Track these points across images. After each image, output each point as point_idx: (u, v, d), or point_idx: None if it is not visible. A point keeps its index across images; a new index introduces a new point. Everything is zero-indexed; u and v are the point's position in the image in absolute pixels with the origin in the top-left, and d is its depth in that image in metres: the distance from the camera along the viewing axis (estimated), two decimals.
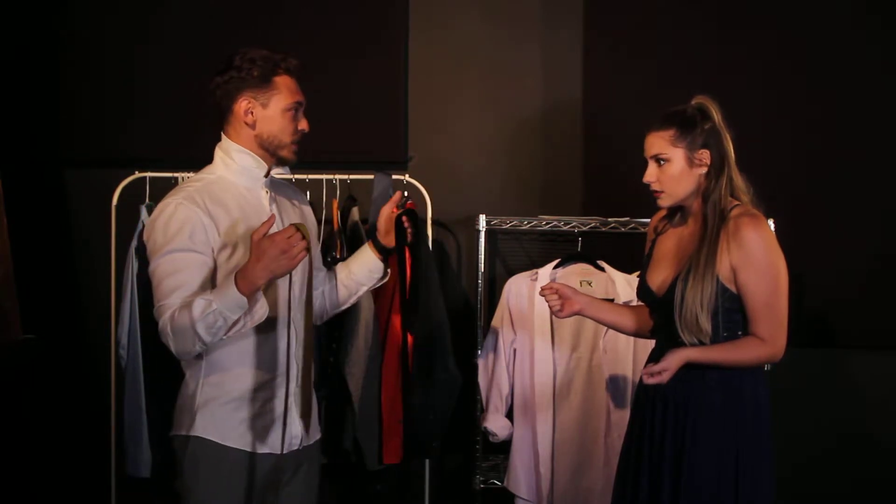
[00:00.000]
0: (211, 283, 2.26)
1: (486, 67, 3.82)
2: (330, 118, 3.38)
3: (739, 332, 2.46)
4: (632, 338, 3.15)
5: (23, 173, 3.69)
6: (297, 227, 2.17)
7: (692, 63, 3.64)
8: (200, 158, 2.46)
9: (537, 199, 3.80)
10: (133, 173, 3.52)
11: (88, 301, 3.82)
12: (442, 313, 3.28)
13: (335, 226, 3.35)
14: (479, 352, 3.51)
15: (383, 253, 2.60)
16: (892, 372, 3.73)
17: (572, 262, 3.46)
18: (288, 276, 2.27)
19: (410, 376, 3.21)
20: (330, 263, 2.75)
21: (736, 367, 2.44)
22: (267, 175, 2.41)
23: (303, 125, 2.40)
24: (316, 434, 2.51)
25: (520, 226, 3.58)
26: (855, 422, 3.74)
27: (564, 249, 3.59)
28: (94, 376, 3.66)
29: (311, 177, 3.37)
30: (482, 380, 3.49)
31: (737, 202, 2.48)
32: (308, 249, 2.20)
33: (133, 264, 3.31)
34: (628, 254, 3.40)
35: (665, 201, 2.52)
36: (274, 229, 2.21)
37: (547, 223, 3.56)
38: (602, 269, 3.44)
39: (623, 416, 3.11)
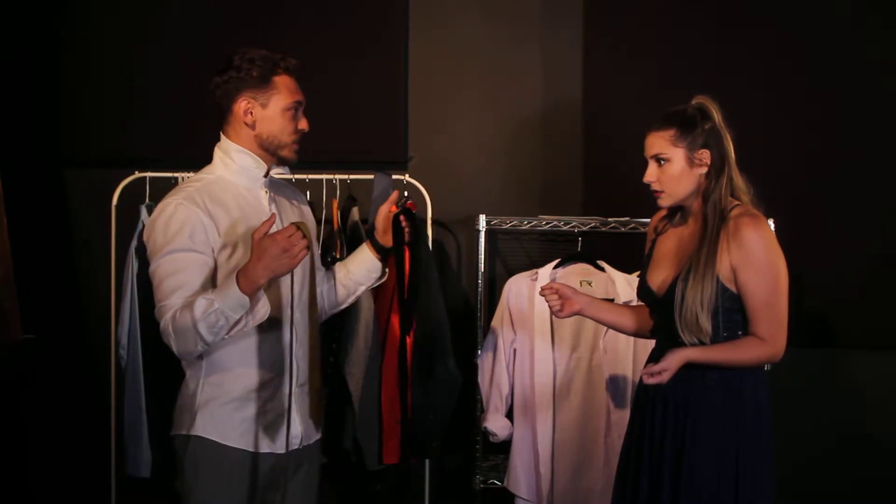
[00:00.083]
0: (211, 283, 2.26)
1: (486, 67, 3.82)
2: (330, 118, 3.38)
3: (739, 332, 2.46)
4: (632, 338, 3.15)
5: (23, 173, 3.69)
6: (298, 226, 2.18)
7: (692, 63, 3.63)
8: (200, 158, 2.46)
9: (537, 199, 3.80)
10: (133, 173, 3.52)
11: (88, 301, 3.82)
12: (442, 313, 3.28)
13: (335, 226, 3.35)
14: (479, 352, 3.51)
15: (381, 252, 2.60)
16: (892, 372, 3.73)
17: (572, 262, 3.46)
18: (289, 275, 2.27)
19: (410, 376, 3.22)
20: (330, 263, 2.75)
21: (736, 367, 2.44)
22: (266, 175, 2.41)
23: (303, 125, 2.40)
24: (316, 434, 2.51)
25: (520, 226, 3.58)
26: (855, 422, 3.73)
27: (564, 249, 3.59)
28: (94, 376, 3.66)
29: (311, 177, 3.37)
30: (482, 380, 3.49)
31: (737, 202, 2.48)
32: (309, 248, 2.20)
33: (133, 264, 3.31)
34: (628, 254, 3.40)
35: (665, 201, 2.52)
36: (273, 229, 2.21)
37: (547, 223, 3.56)
38: (602, 269, 3.44)
39: (623, 416, 3.11)
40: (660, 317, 2.59)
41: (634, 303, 3.00)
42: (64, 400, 3.82)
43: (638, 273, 2.76)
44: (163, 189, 2.61)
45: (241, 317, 2.17)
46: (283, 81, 2.36)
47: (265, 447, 2.36)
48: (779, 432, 2.55)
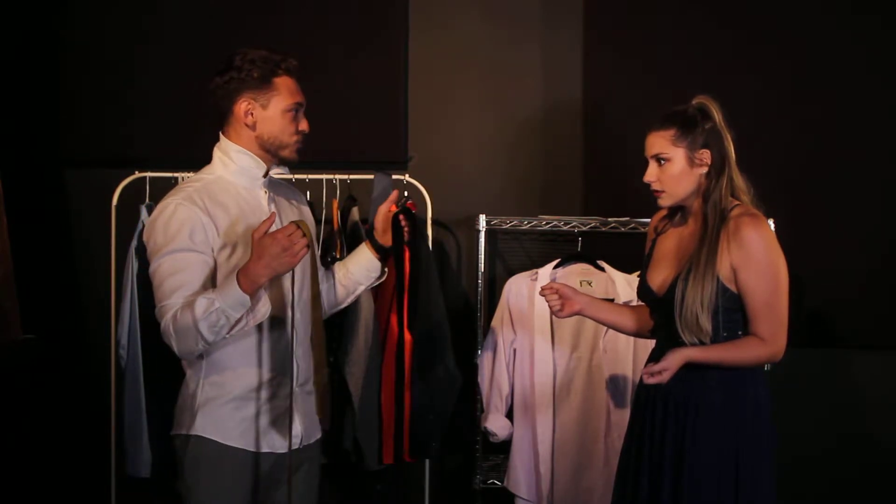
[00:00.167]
0: (212, 282, 2.26)
1: (486, 67, 3.82)
2: (330, 118, 3.38)
3: (740, 332, 2.46)
4: (632, 338, 3.15)
5: (23, 173, 3.69)
6: (298, 225, 2.18)
7: (692, 63, 3.63)
8: (200, 158, 2.46)
9: (537, 199, 3.80)
10: (133, 173, 3.52)
11: (88, 301, 3.82)
12: (442, 313, 3.28)
13: (335, 226, 3.35)
14: (479, 352, 3.51)
15: (381, 252, 2.60)
16: (892, 372, 3.73)
17: (572, 262, 3.47)
18: (290, 274, 2.27)
19: (410, 376, 3.22)
20: (329, 263, 2.75)
21: (736, 366, 2.44)
22: (265, 175, 2.41)
23: (303, 126, 2.40)
24: (316, 433, 2.52)
25: (520, 226, 3.58)
26: (855, 422, 3.73)
27: (564, 249, 3.59)
28: (94, 376, 3.66)
29: (311, 177, 3.37)
30: (482, 380, 3.49)
31: (737, 202, 2.48)
32: (309, 246, 2.20)
33: (133, 264, 3.31)
34: (628, 254, 3.39)
35: (665, 201, 2.53)
36: (273, 229, 2.21)
37: (547, 223, 3.56)
38: (602, 269, 3.44)
39: (623, 416, 3.11)
40: (660, 316, 2.59)
41: (634, 303, 3.00)
42: (64, 400, 3.81)
43: (638, 273, 2.76)
44: (163, 189, 2.61)
45: (242, 316, 2.17)
46: (283, 82, 2.36)
47: (265, 447, 2.36)
48: (779, 432, 2.55)
